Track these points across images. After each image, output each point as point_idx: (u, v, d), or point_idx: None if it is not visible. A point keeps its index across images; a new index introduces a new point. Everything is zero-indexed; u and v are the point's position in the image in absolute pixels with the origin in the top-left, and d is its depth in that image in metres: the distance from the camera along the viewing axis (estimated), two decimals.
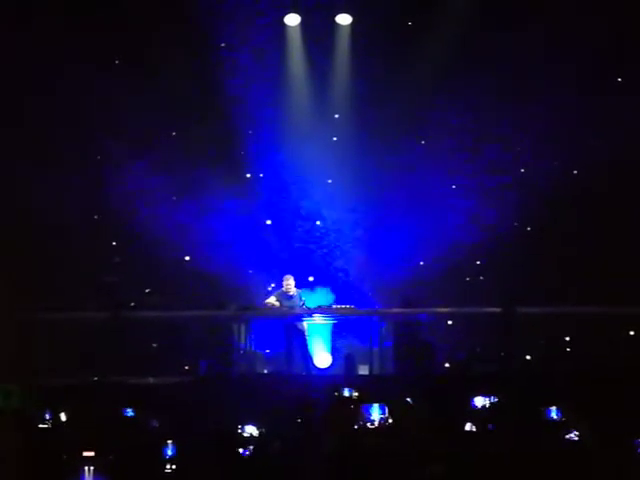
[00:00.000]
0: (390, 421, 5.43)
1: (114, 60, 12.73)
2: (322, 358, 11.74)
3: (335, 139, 13.44)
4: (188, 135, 13.07)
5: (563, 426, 5.76)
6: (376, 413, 5.50)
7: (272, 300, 11.27)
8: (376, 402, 5.51)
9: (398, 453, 4.66)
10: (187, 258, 12.91)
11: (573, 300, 10.90)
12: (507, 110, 12.33)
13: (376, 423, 5.51)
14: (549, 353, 10.95)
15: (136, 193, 12.70)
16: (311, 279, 13.00)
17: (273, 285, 12.32)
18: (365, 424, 5.40)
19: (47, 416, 6.23)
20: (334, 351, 11.77)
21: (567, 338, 11.29)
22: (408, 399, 6.23)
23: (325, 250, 13.19)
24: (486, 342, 10.93)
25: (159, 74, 12.50)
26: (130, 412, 6.56)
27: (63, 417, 6.33)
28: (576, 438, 5.57)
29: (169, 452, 5.62)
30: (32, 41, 11.50)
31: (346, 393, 7.11)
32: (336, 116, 13.50)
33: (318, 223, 13.33)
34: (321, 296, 12.52)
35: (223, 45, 13.05)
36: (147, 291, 12.73)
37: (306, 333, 11.25)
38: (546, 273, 11.79)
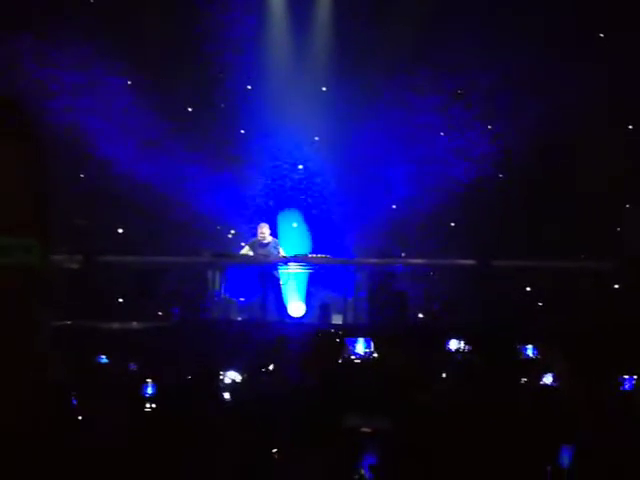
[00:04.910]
0: (375, 355, 5.39)
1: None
2: (296, 307, 11.67)
3: (324, 89, 13.08)
4: (167, 83, 12.74)
5: (539, 365, 5.78)
6: (361, 347, 5.46)
7: (245, 251, 11.17)
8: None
9: (382, 385, 4.63)
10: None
11: (549, 253, 10.94)
12: (490, 61, 12.15)
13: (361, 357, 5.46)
14: (523, 305, 11.01)
15: (112, 136, 12.41)
16: (295, 225, 12.84)
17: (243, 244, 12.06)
18: (350, 357, 5.35)
19: None
20: (308, 300, 11.70)
21: (529, 289, 11.34)
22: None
23: (304, 196, 12.99)
24: (461, 294, 10.95)
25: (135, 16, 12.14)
26: (104, 358, 6.50)
27: None
28: (552, 380, 5.59)
29: (149, 391, 5.55)
30: None
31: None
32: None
33: (300, 167, 13.10)
34: (298, 243, 12.41)
35: None
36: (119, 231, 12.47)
37: (281, 282, 11.17)
38: (522, 225, 11.79)
